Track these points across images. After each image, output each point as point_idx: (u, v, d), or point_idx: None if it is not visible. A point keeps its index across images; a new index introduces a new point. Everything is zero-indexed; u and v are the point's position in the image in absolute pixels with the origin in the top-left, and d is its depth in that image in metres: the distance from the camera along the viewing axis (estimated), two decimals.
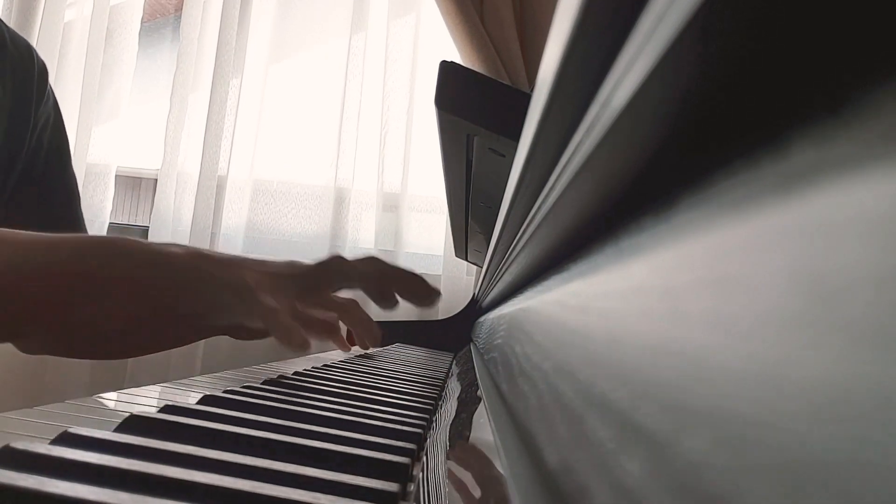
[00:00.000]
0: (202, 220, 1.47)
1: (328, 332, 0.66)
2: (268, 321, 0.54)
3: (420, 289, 0.71)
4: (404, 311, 1.48)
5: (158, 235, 1.48)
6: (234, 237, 1.51)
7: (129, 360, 1.44)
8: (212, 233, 1.49)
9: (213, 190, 1.48)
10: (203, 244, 1.47)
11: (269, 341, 1.19)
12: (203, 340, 1.42)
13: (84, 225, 1.01)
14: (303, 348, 0.54)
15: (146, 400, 0.48)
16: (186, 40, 1.53)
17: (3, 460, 0.23)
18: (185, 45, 1.53)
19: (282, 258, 1.53)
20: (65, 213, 0.98)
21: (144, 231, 1.53)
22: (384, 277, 0.68)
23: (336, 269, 0.65)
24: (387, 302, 0.68)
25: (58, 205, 0.97)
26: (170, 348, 0.60)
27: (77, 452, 0.24)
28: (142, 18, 1.60)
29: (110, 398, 0.46)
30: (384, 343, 1.27)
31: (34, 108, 0.91)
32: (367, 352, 1.00)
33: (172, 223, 1.50)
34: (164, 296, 0.55)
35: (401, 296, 0.70)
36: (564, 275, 0.30)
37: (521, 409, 0.31)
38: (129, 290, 0.54)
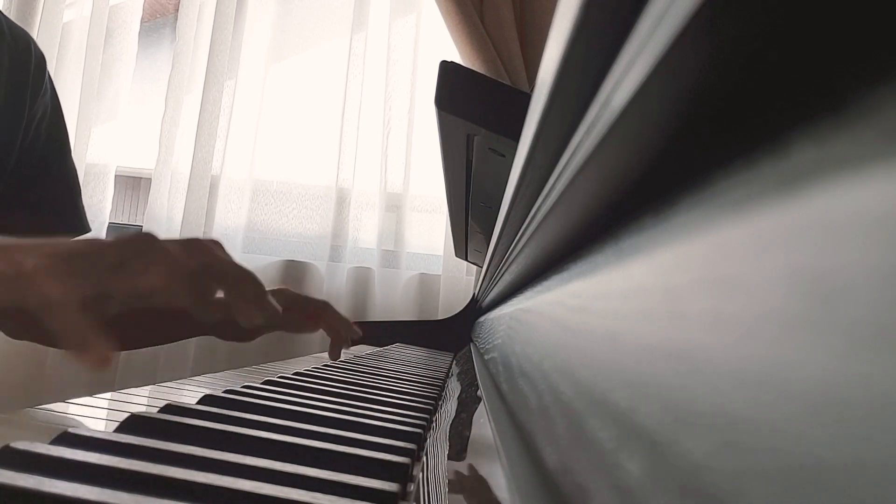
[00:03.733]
0: (194, 219, 1.48)
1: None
2: (50, 322, 0.40)
3: (253, 298, 0.47)
4: (404, 311, 1.49)
5: None
6: (233, 237, 1.51)
7: (121, 361, 1.44)
8: (203, 232, 1.49)
9: (205, 190, 1.48)
10: None
11: (269, 341, 1.18)
12: (196, 339, 1.42)
13: (85, 217, 1.01)
14: (103, 367, 0.39)
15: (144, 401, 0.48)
16: (182, 40, 1.53)
17: (3, 460, 0.23)
18: (181, 46, 1.53)
19: (281, 258, 1.52)
20: (65, 205, 0.98)
21: (139, 230, 1.53)
22: (205, 267, 0.47)
23: (141, 250, 0.45)
24: (201, 309, 0.45)
25: (58, 197, 0.97)
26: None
27: (77, 452, 0.24)
28: (141, 18, 1.60)
29: (112, 398, 0.46)
30: (384, 343, 1.27)
31: (30, 99, 0.90)
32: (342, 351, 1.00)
33: (166, 222, 1.50)
34: None
35: (230, 299, 0.48)
36: (564, 275, 0.30)
37: (521, 409, 0.31)
38: None
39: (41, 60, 0.93)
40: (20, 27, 0.93)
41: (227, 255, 0.48)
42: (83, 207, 1.01)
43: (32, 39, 0.93)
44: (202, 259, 0.46)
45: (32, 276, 0.42)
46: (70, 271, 0.43)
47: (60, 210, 0.97)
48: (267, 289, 0.60)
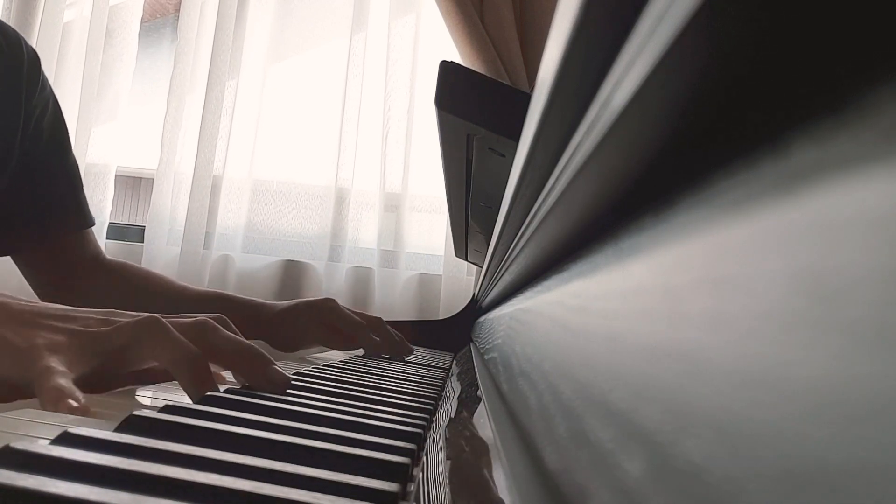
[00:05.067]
0: (196, 219, 1.48)
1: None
2: (38, 385, 0.43)
3: (261, 374, 0.49)
4: (404, 311, 1.49)
5: (155, 235, 1.48)
6: (232, 237, 1.51)
7: None
8: (206, 232, 1.49)
9: (207, 190, 1.49)
10: (198, 244, 1.47)
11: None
12: None
13: (88, 211, 1.01)
14: (79, 413, 0.40)
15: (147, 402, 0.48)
16: (184, 40, 1.53)
17: (3, 460, 0.23)
18: (183, 46, 1.53)
19: (280, 258, 1.52)
20: (67, 199, 0.98)
21: (141, 231, 1.53)
22: (209, 350, 0.49)
23: (144, 338, 0.47)
24: (200, 391, 0.46)
25: (62, 192, 0.97)
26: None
27: (77, 452, 0.24)
28: (141, 18, 1.60)
29: (111, 398, 0.46)
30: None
31: (26, 96, 0.90)
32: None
33: (169, 223, 1.50)
34: None
35: (237, 374, 0.52)
36: (564, 275, 0.30)
37: (521, 409, 0.31)
38: None
39: (34, 58, 0.93)
40: (9, 26, 0.94)
41: (232, 334, 0.50)
42: (86, 202, 1.02)
43: (23, 38, 0.93)
44: (204, 341, 0.49)
45: (44, 351, 0.44)
46: (80, 349, 0.46)
47: (64, 206, 0.98)
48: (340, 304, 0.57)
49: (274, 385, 0.48)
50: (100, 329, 0.48)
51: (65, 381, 0.42)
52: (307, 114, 1.64)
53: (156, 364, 0.49)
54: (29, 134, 0.91)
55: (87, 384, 0.45)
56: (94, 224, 1.03)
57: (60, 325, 0.47)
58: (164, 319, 0.48)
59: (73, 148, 1.00)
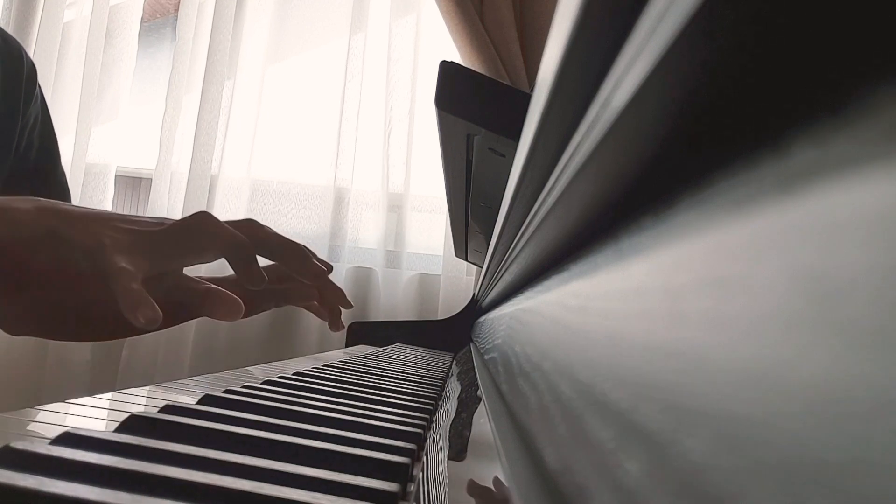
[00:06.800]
0: None
1: (215, 303, 0.56)
2: (114, 285, 0.48)
3: (302, 262, 0.62)
4: (404, 311, 1.49)
5: None
6: None
7: (121, 362, 1.44)
8: None
9: (204, 190, 1.49)
10: None
11: (269, 341, 1.18)
12: (194, 339, 1.42)
13: None
14: (151, 322, 0.47)
15: (146, 401, 0.48)
16: (182, 40, 1.53)
17: (3, 460, 0.23)
18: (181, 46, 1.53)
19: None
20: None
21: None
22: (258, 243, 0.59)
23: (199, 229, 0.56)
24: (251, 276, 0.58)
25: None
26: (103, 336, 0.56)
27: (77, 452, 0.24)
28: (141, 18, 1.60)
29: (112, 399, 0.46)
30: (384, 343, 1.27)
31: (22, 108, 0.91)
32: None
33: None
34: (11, 255, 0.49)
35: (283, 265, 0.63)
36: (564, 275, 0.30)
37: (521, 409, 0.31)
38: None
39: (32, 69, 0.94)
40: (12, 37, 0.94)
41: (275, 233, 0.62)
42: None
43: (24, 48, 0.94)
44: (253, 235, 0.59)
45: (112, 250, 0.51)
46: (143, 248, 0.53)
47: None
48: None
49: (314, 276, 0.60)
50: (158, 228, 0.55)
51: (137, 286, 0.49)
52: (306, 114, 1.64)
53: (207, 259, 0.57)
54: (23, 145, 0.92)
55: (151, 288, 0.51)
56: None
57: (122, 225, 0.54)
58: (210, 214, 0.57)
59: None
